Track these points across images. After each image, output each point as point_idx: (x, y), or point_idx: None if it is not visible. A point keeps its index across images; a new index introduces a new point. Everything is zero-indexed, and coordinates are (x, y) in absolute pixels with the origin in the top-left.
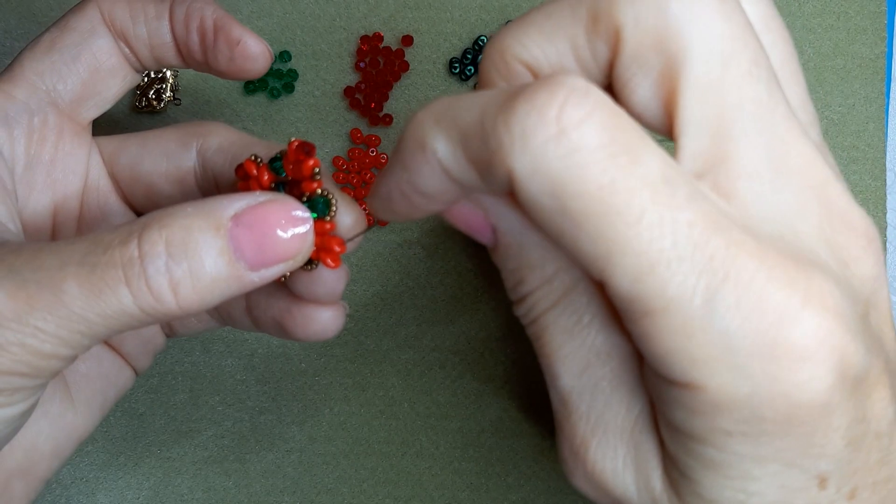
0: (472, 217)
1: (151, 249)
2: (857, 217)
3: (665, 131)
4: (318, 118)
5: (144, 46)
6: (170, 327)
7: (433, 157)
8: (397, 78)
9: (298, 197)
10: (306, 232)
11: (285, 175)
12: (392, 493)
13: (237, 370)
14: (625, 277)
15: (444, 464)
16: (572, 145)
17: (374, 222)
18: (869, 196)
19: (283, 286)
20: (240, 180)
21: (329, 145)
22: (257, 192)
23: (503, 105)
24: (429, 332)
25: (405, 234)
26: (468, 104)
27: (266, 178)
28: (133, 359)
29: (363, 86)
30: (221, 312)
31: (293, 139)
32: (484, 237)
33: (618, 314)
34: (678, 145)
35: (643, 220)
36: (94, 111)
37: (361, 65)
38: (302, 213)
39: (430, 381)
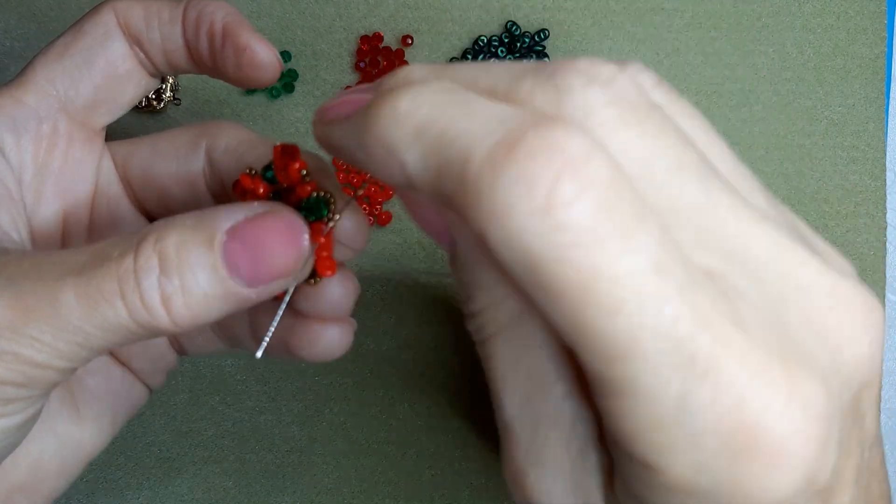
0: (435, 219)
1: (146, 263)
2: (849, 290)
3: None
4: None
5: (158, 51)
6: (179, 345)
7: (402, 167)
8: None
9: (295, 203)
10: (304, 246)
11: (280, 182)
12: (392, 493)
13: (237, 370)
14: (595, 359)
15: (444, 464)
16: (558, 224)
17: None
18: (869, 196)
19: (288, 304)
20: (238, 197)
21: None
22: (255, 203)
23: (493, 160)
24: (429, 332)
25: (405, 235)
26: (458, 127)
27: (262, 190)
28: (144, 375)
29: (363, 86)
30: (227, 333)
31: (276, 144)
32: (444, 242)
33: (560, 349)
34: None
35: (622, 311)
36: (108, 117)
37: (361, 65)
38: (301, 225)
39: (430, 381)
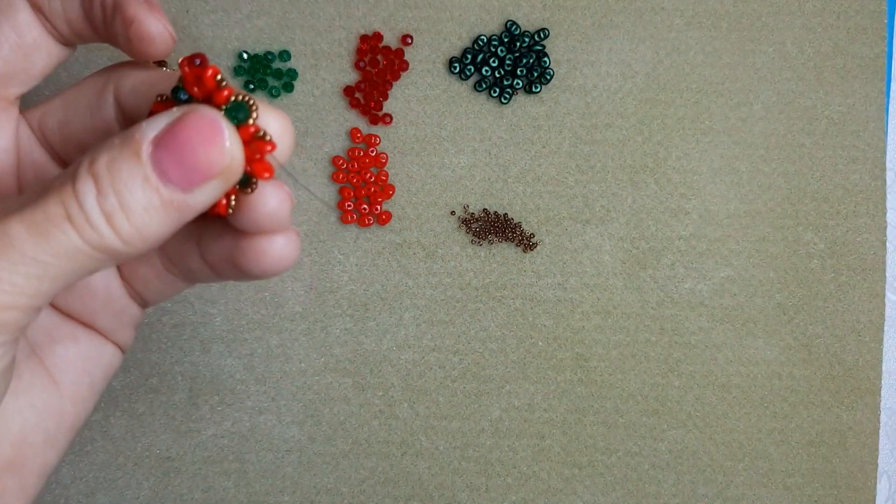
0: None
1: (83, 186)
2: None
3: None
4: (318, 118)
5: (61, 20)
6: (140, 296)
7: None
8: (397, 77)
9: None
10: (228, 138)
11: (193, 99)
12: (392, 493)
13: (236, 370)
14: None
15: (443, 464)
16: None
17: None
18: (869, 195)
19: (228, 222)
20: None
21: (328, 145)
22: (174, 109)
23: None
24: (429, 332)
25: (405, 235)
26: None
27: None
28: (112, 334)
29: (363, 85)
30: (180, 267)
31: (181, 59)
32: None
33: None
34: None
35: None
36: (21, 87)
37: (361, 64)
38: (219, 119)
39: (429, 381)
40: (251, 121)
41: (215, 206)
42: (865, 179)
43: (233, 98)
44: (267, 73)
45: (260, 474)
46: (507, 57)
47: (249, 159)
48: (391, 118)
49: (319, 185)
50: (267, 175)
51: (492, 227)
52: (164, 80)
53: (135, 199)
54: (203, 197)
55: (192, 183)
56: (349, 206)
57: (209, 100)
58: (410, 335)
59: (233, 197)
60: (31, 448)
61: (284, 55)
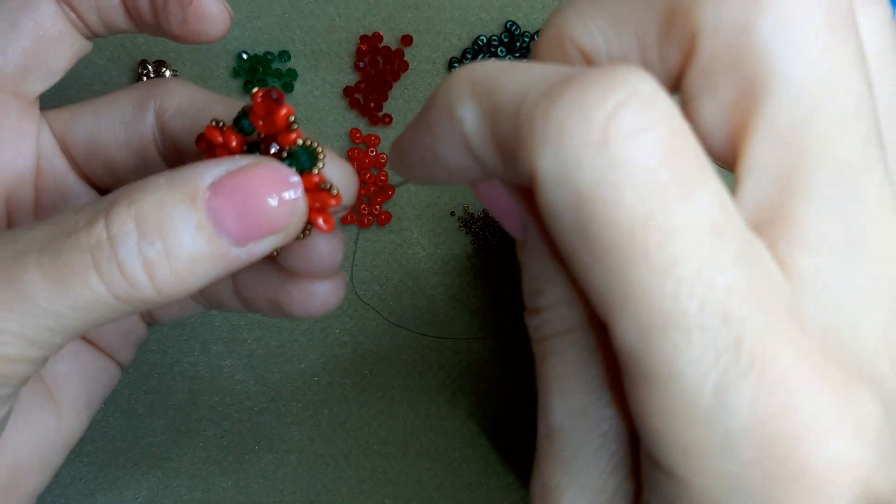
0: (504, 203)
1: (121, 229)
2: None
3: (727, 164)
4: (318, 118)
5: (91, 10)
6: (150, 315)
7: (459, 127)
8: (397, 78)
9: (277, 154)
10: (297, 197)
11: (255, 133)
12: (392, 493)
13: (236, 370)
14: (632, 330)
15: (444, 464)
16: (614, 159)
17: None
18: None
19: (274, 261)
20: (204, 153)
21: (328, 145)
22: (237, 157)
23: (549, 91)
24: (429, 332)
25: (405, 235)
26: (513, 77)
27: (234, 142)
28: (114, 352)
29: (362, 85)
30: (208, 296)
31: (256, 89)
32: (513, 228)
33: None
34: (738, 189)
35: (673, 272)
36: (42, 84)
37: (361, 64)
38: (292, 175)
39: (429, 381)
40: (316, 170)
41: None
42: None
43: (300, 142)
44: (266, 73)
45: (259, 475)
46: (507, 57)
47: (310, 208)
48: (391, 119)
49: None
50: (326, 228)
51: (492, 227)
52: (215, 104)
53: (183, 246)
54: (256, 251)
55: (250, 237)
56: None
57: (272, 137)
58: (410, 335)
59: None
60: (25, 471)
61: (284, 55)
